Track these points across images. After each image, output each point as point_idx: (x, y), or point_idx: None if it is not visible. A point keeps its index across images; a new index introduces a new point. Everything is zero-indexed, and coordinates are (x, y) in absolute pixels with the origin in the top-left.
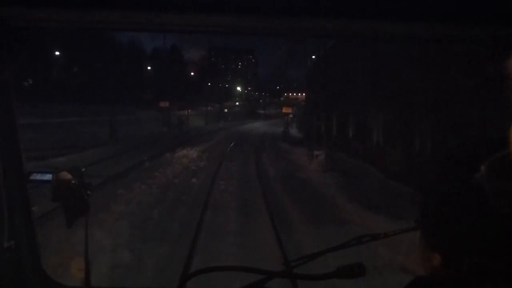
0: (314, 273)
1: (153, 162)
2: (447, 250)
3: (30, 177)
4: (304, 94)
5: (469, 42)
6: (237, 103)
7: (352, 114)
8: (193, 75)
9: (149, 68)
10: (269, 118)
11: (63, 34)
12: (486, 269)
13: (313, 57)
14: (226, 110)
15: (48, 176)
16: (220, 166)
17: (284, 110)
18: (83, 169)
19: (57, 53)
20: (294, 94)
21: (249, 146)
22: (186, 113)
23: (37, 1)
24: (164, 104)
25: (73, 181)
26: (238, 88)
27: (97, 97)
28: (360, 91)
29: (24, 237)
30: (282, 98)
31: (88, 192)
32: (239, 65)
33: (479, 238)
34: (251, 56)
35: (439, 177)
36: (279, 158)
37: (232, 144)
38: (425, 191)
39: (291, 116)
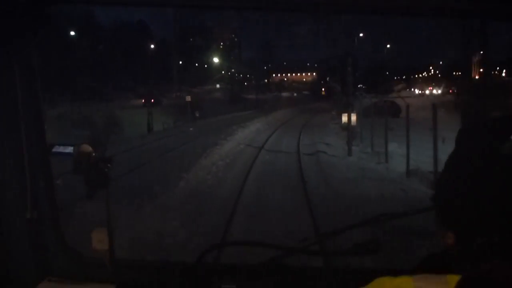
0: (330, 249)
1: None
2: (461, 229)
3: (52, 150)
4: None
5: None
6: (217, 86)
7: None
8: (157, 52)
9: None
10: (266, 107)
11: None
12: (496, 247)
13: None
14: (188, 99)
15: (70, 149)
16: None
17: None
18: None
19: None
20: (287, 74)
21: None
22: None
23: None
24: None
25: (93, 154)
26: (217, 64)
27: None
28: None
29: (47, 208)
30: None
31: (108, 165)
32: (220, 44)
33: (492, 217)
34: (233, 35)
35: (457, 154)
36: None
37: None
38: (443, 170)
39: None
